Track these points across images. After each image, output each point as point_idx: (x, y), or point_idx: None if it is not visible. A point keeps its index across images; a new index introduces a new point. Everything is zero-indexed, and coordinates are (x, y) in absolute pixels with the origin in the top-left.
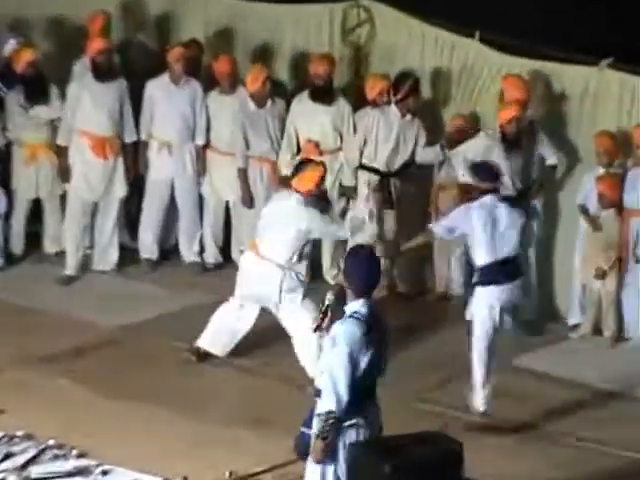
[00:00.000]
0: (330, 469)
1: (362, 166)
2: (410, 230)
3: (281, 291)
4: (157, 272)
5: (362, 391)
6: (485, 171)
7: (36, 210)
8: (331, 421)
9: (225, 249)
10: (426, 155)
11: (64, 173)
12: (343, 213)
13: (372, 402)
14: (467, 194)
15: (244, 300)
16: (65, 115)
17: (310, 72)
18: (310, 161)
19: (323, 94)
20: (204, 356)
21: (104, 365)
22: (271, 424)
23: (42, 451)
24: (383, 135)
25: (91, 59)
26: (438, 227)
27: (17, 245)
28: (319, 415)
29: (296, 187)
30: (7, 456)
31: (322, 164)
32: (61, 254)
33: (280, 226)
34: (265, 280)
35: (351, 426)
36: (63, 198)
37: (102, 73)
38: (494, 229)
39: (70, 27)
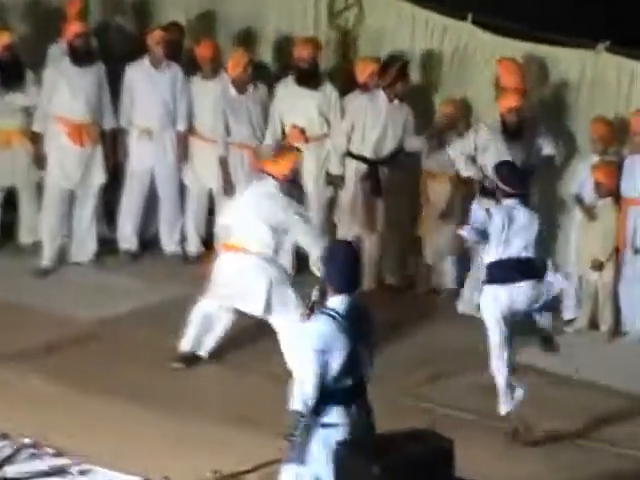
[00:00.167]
0: (304, 471)
1: (350, 154)
2: (399, 220)
3: (267, 285)
4: (137, 263)
5: (340, 391)
6: (511, 175)
7: (11, 199)
8: (295, 421)
9: (208, 239)
10: (413, 143)
11: (40, 160)
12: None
13: (358, 402)
14: (467, 185)
15: (223, 300)
16: (41, 101)
17: (294, 56)
18: (287, 146)
19: (309, 78)
20: (193, 360)
21: (82, 360)
22: (256, 422)
23: (17, 450)
24: (370, 121)
25: (68, 43)
26: (470, 233)
27: None
28: (289, 414)
29: (271, 172)
30: None
31: (299, 150)
32: (37, 244)
33: (257, 215)
34: (247, 275)
35: (328, 426)
36: (40, 187)
37: (79, 57)
38: (509, 229)
39: (47, 9)
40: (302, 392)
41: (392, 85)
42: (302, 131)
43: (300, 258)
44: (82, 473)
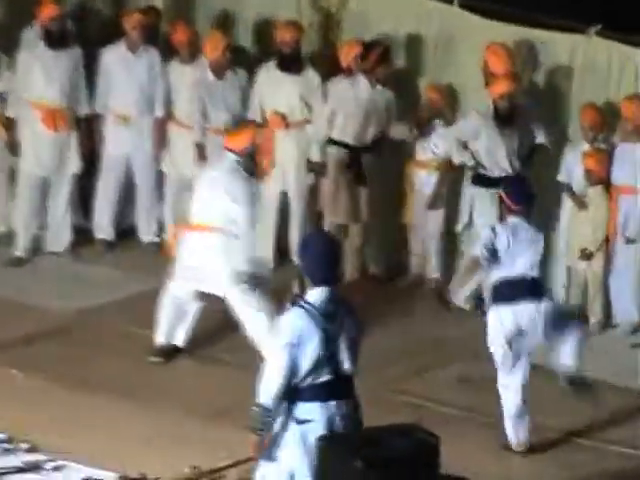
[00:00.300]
0: (272, 467)
1: (331, 140)
2: (384, 208)
3: (229, 263)
4: (113, 253)
5: (316, 386)
6: (519, 192)
7: None
8: (262, 415)
9: None
10: (396, 131)
11: (13, 147)
12: None
13: (339, 398)
14: (452, 170)
15: (188, 284)
16: (15, 86)
17: (276, 40)
18: (247, 120)
19: (291, 63)
20: (170, 352)
21: (57, 353)
22: (235, 417)
23: None
24: (352, 107)
25: (43, 26)
26: (483, 253)
27: None
28: (254, 408)
29: (231, 146)
30: None
31: (259, 125)
32: (11, 234)
33: (217, 191)
34: (210, 253)
35: (303, 422)
36: (13, 174)
37: (54, 41)
38: (513, 247)
39: None
40: (269, 386)
41: (373, 69)
42: (283, 117)
43: (280, 248)
44: (56, 469)
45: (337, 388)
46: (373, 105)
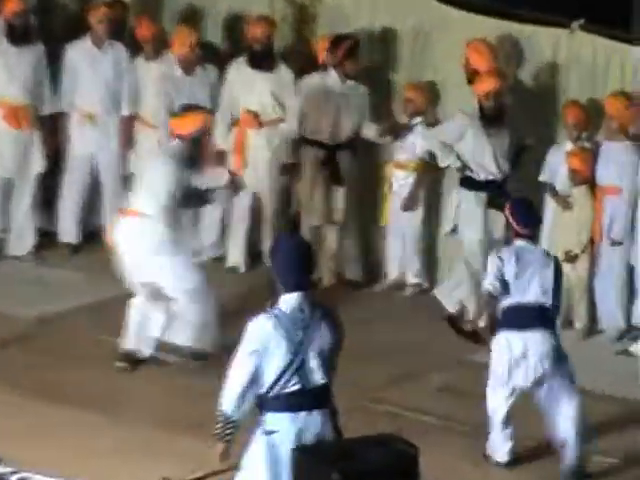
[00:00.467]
0: (241, 476)
1: (305, 139)
2: (361, 210)
3: (160, 249)
4: (79, 257)
5: (284, 396)
6: (527, 214)
7: None
8: (222, 423)
9: None
10: (368, 132)
11: None
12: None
13: (309, 409)
14: (430, 171)
15: (129, 275)
16: None
17: (247, 35)
18: (198, 105)
19: (262, 59)
20: (135, 359)
21: (20, 361)
22: (205, 427)
23: None
24: (323, 103)
25: (5, 21)
26: (490, 286)
27: None
28: (218, 415)
29: (177, 130)
30: None
31: (209, 112)
32: None
33: (151, 175)
34: (141, 239)
35: (270, 433)
36: None
37: (17, 36)
38: (522, 272)
39: None
40: (229, 393)
41: (342, 64)
42: (255, 115)
43: (253, 253)
44: None
45: (308, 398)
46: (345, 101)
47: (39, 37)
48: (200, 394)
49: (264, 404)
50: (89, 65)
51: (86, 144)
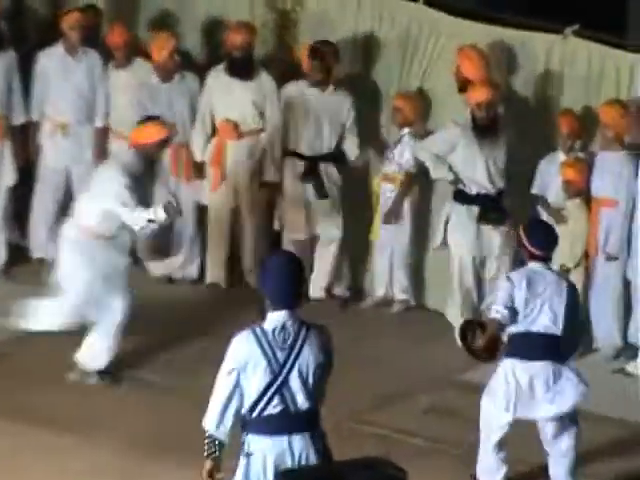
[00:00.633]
0: None
1: (287, 151)
2: (348, 226)
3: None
4: (51, 273)
5: (264, 418)
6: (543, 235)
7: None
8: (207, 440)
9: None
10: (349, 148)
11: None
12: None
13: (291, 433)
14: (414, 184)
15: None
16: None
17: (226, 42)
18: (158, 117)
19: (241, 68)
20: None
21: None
22: (182, 449)
23: None
24: (303, 113)
25: None
26: (498, 313)
27: None
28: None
29: (134, 140)
30: None
31: (170, 127)
32: None
33: (96, 190)
34: (70, 257)
35: (249, 455)
36: None
37: None
38: (533, 297)
39: None
40: (210, 411)
41: (320, 72)
42: (235, 126)
43: (233, 269)
44: None
45: (290, 421)
46: (326, 110)
47: (10, 44)
48: (175, 416)
49: (245, 425)
50: (61, 73)
51: (59, 156)
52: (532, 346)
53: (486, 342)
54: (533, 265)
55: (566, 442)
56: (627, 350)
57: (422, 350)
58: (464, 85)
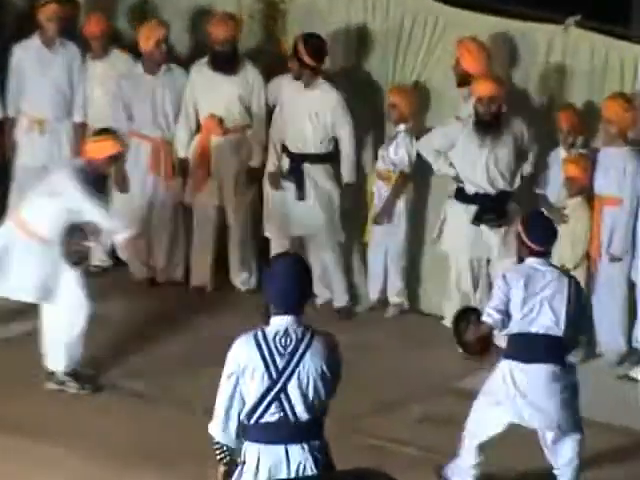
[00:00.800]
0: None
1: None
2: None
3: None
4: None
5: (262, 426)
6: (542, 230)
7: None
8: (215, 446)
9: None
10: (344, 169)
11: None
12: None
13: (287, 443)
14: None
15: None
16: None
17: (210, 35)
18: (113, 130)
19: (225, 62)
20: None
21: None
22: (163, 458)
23: None
24: (287, 109)
25: None
26: (490, 317)
27: None
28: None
29: (87, 153)
30: None
31: (123, 144)
32: None
33: (47, 195)
34: (23, 257)
35: (244, 464)
36: None
37: None
38: (530, 297)
39: None
40: (215, 417)
41: (307, 65)
42: (220, 121)
43: (219, 270)
44: None
45: (288, 431)
46: (312, 106)
47: None
48: (158, 424)
49: (244, 432)
50: (38, 67)
51: (35, 153)
52: (531, 347)
53: (476, 339)
54: (532, 262)
55: (569, 450)
56: (632, 355)
57: (418, 357)
58: (463, 79)
